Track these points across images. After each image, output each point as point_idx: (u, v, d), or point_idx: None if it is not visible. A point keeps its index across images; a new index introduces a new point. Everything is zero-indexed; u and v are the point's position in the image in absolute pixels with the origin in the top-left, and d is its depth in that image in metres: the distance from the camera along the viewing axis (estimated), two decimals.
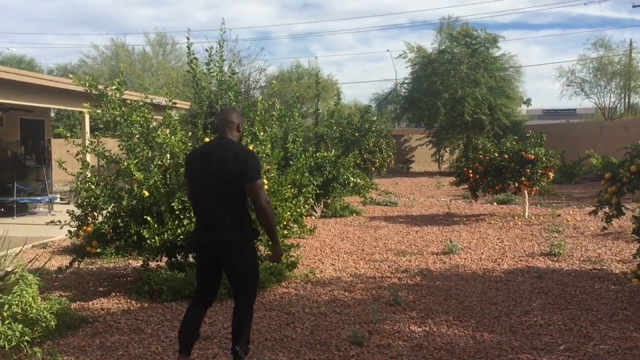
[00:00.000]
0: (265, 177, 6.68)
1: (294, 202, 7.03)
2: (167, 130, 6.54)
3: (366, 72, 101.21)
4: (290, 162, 8.93)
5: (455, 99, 24.09)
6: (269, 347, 4.57)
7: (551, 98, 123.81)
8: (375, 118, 14.50)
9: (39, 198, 12.85)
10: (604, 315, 5.26)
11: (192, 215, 6.01)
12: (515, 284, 6.46)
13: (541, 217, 11.23)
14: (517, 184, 11.00)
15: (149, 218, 5.90)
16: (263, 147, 6.95)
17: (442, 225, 10.69)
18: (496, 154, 11.21)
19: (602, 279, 6.55)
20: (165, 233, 5.88)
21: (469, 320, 5.19)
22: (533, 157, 10.81)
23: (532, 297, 5.90)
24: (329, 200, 12.14)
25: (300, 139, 10.67)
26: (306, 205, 8.37)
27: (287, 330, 4.97)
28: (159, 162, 6.29)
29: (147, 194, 5.99)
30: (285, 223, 6.58)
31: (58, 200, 13.47)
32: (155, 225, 5.90)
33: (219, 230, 3.78)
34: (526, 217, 11.25)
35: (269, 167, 7.10)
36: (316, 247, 8.62)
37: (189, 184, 4.03)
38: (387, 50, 74.32)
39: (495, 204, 13.58)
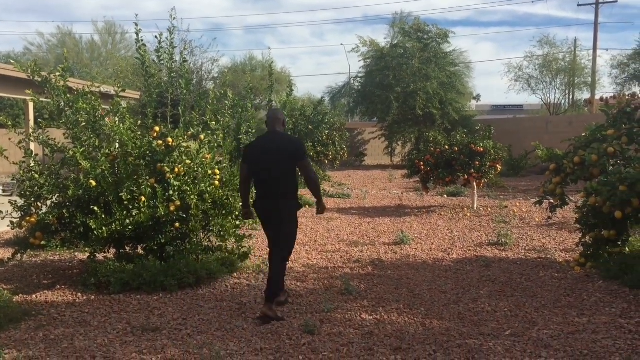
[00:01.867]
0: (217, 167, 6.59)
1: None
2: (116, 119, 6.37)
3: (320, 65, 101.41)
4: None
5: (407, 93, 24.35)
6: (220, 337, 4.52)
7: (499, 94, 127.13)
8: (328, 110, 14.54)
9: None
10: (548, 302, 5.42)
11: (142, 205, 5.88)
12: (464, 272, 6.60)
13: (489, 209, 11.50)
14: (466, 176, 11.22)
15: (96, 208, 5.75)
16: (215, 137, 6.85)
17: (393, 217, 10.81)
18: (447, 147, 11.39)
19: (546, 268, 6.76)
20: (114, 224, 5.73)
21: (419, 308, 5.27)
22: (482, 149, 11.04)
23: (479, 285, 6.04)
24: None
25: (254, 130, 10.61)
26: None
27: (239, 321, 4.94)
28: (107, 151, 6.12)
29: (94, 183, 5.82)
30: (237, 213, 6.51)
31: (0, 192, 12.97)
32: (103, 216, 5.75)
33: (275, 198, 4.96)
34: (475, 208, 11.50)
35: (221, 157, 6.99)
36: None
37: (246, 166, 5.10)
38: (341, 44, 74.72)
39: (445, 196, 13.83)
